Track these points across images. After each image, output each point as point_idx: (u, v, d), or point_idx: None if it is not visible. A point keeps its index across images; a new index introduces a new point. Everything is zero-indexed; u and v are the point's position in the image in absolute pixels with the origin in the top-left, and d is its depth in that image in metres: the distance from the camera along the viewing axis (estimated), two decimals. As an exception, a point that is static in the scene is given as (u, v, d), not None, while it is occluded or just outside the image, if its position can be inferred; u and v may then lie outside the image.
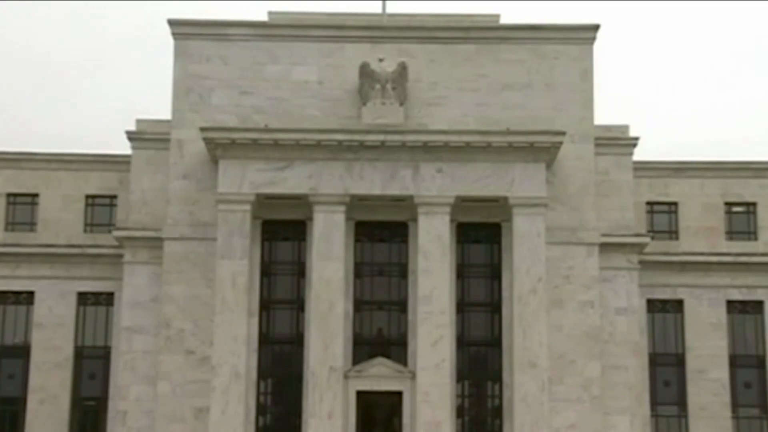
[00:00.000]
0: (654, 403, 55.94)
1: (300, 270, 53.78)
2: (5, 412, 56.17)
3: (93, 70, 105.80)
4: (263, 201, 52.40)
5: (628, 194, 55.21)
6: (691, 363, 56.44)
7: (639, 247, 54.57)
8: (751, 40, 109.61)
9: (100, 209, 57.92)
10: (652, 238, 55.72)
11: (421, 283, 51.65)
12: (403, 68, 53.31)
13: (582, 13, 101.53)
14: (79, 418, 55.90)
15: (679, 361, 56.85)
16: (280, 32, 54.85)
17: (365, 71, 53.26)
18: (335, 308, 51.26)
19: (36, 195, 57.78)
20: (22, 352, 56.43)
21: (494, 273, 54.05)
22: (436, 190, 51.93)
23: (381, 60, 53.17)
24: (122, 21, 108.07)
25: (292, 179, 51.91)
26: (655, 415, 55.91)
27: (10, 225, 57.84)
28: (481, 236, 54.43)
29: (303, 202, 52.24)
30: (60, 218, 57.28)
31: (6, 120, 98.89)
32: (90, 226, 57.69)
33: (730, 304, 56.99)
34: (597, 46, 55.03)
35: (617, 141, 55.47)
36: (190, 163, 53.61)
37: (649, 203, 57.91)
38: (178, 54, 54.46)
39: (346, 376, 51.52)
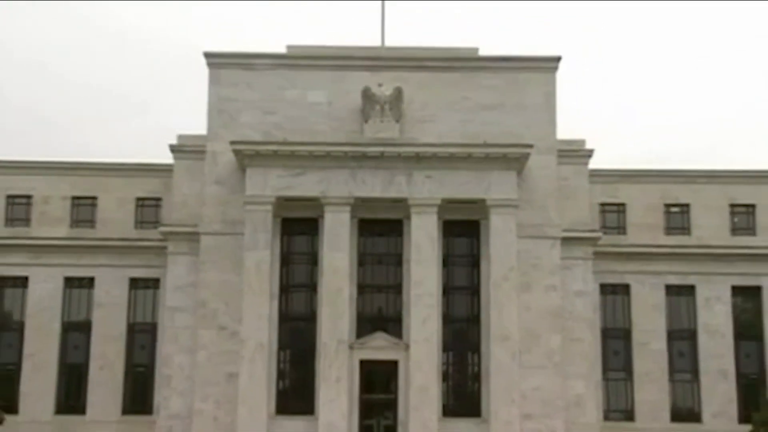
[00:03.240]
0: (605, 369, 55.82)
1: (313, 259, 53.19)
2: (72, 376, 56.13)
3: (138, 95, 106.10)
4: (282, 202, 52.08)
5: (585, 196, 54.78)
6: (636, 336, 56.19)
7: (593, 241, 54.41)
8: (691, 68, 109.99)
9: (147, 209, 57.51)
10: (604, 233, 55.66)
11: (414, 271, 51.36)
12: (398, 92, 52.85)
13: (551, 40, 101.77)
14: (131, 381, 55.91)
15: (626, 335, 56.47)
16: (296, 62, 54.26)
17: (367, 94, 52.78)
18: (342, 291, 51.00)
19: (95, 198, 57.56)
20: (85, 327, 56.40)
21: (474, 262, 53.43)
22: (426, 193, 51.58)
23: (380, 85, 52.78)
24: (160, 53, 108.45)
25: (306, 184, 51.58)
26: (606, 379, 55.72)
27: (75, 222, 57.45)
28: (463, 231, 53.64)
29: (315, 203, 51.90)
30: (115, 217, 57.22)
31: (71, 136, 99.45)
32: (139, 223, 57.34)
33: (668, 288, 56.69)
34: (562, 69, 54.39)
35: (576, 152, 54.91)
36: (222, 171, 53.09)
37: (601, 204, 57.27)
38: (212, 80, 53.94)
39: (351, 347, 51.11)
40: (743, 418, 53.63)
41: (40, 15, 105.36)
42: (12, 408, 53.18)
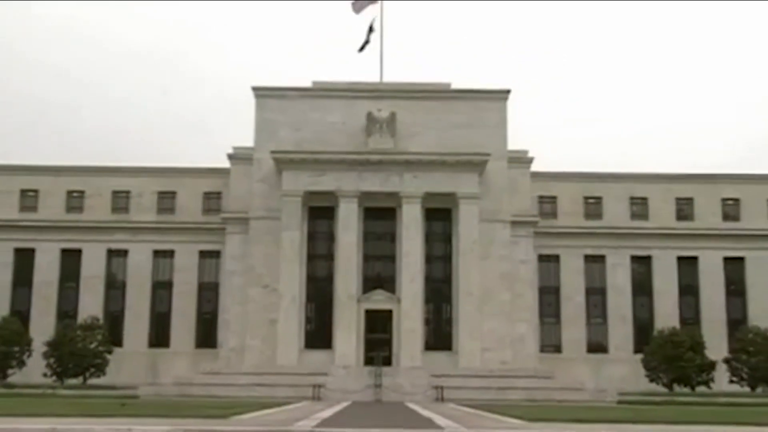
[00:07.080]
0: (541, 315, 58.40)
1: (331, 236, 55.48)
2: (159, 320, 58.34)
3: (195, 120, 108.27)
4: (309, 195, 54.45)
5: (527, 191, 57.41)
6: (564, 292, 58.77)
7: (533, 224, 57.42)
8: (607, 95, 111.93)
9: (212, 200, 59.08)
10: (541, 218, 58.35)
11: (404, 245, 53.87)
12: (393, 115, 55.26)
13: (509, 71, 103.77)
14: (201, 325, 58.29)
15: (556, 291, 58.75)
16: (319, 93, 56.69)
17: (370, 117, 55.12)
18: (352, 260, 53.70)
19: (174, 192, 59.62)
20: (168, 285, 58.80)
21: (447, 238, 55.60)
22: (413, 188, 53.87)
23: (379, 110, 55.24)
24: (214, 89, 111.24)
25: (326, 182, 53.91)
26: (542, 323, 58.37)
27: (160, 210, 59.44)
28: (440, 216, 55.49)
29: (332, 196, 54.34)
30: (189, 206, 59.26)
31: (155, 149, 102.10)
32: (206, 211, 58.98)
33: (586, 257, 59.00)
34: (513, 97, 58.06)
35: (521, 159, 57.73)
36: (265, 173, 55.22)
37: (539, 197, 59.40)
38: (258, 107, 56.54)
39: (358, 301, 53.70)
40: (636, 350, 56.38)
41: (128, 63, 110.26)
42: (118, 342, 55.80)
